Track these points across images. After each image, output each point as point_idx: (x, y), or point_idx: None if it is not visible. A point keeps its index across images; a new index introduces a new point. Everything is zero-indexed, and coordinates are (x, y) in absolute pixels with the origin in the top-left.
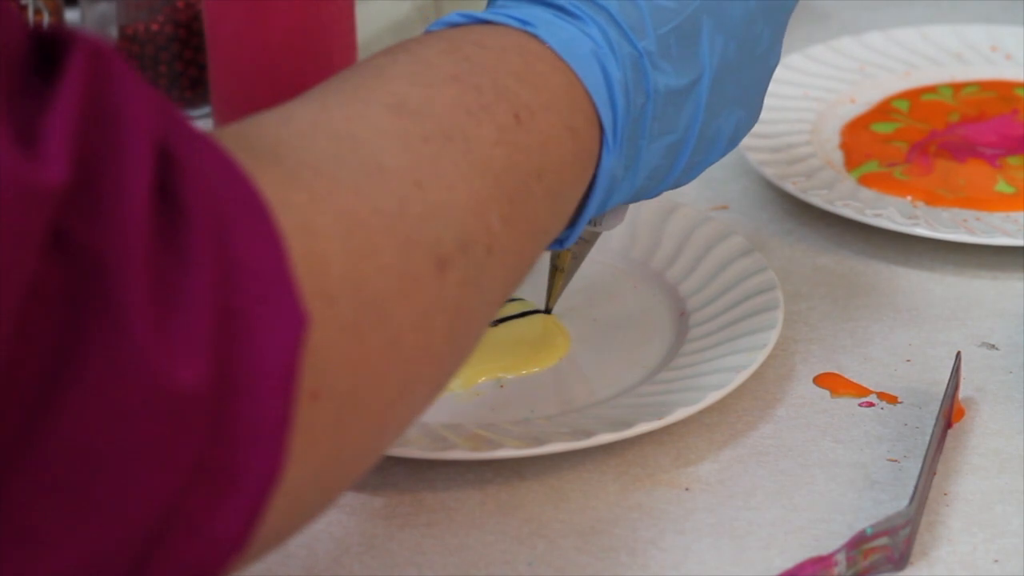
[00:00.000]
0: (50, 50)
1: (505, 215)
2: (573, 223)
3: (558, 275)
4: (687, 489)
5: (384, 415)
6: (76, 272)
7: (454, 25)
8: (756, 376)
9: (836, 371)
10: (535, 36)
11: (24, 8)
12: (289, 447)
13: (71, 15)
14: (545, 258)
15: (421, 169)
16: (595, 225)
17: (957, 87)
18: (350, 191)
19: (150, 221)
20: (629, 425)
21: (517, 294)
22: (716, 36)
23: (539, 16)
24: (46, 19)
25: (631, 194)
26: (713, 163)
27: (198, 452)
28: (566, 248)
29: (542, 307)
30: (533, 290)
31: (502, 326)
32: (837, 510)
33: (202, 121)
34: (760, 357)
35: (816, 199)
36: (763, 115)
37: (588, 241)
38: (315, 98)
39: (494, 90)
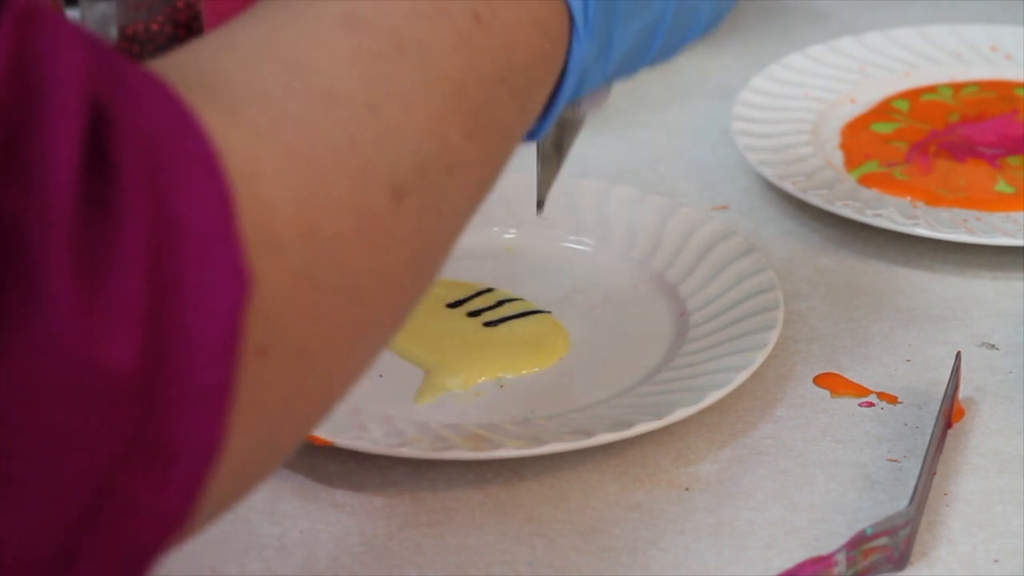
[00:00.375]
0: None
1: (467, 128)
2: (546, 113)
3: (543, 165)
4: (687, 489)
5: (341, 363)
6: None
7: None
8: (756, 376)
9: (836, 371)
10: None
11: None
12: (230, 417)
13: (71, 15)
14: (550, 257)
15: (374, 90)
16: (576, 107)
17: (957, 87)
18: (297, 124)
19: (77, 183)
20: (629, 425)
21: (518, 294)
22: None
23: None
24: None
25: (606, 77)
26: (692, 41)
27: (131, 428)
28: (538, 140)
29: (542, 307)
30: (534, 290)
31: (502, 326)
32: (837, 510)
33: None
34: (760, 357)
35: (816, 199)
36: (763, 115)
37: (572, 125)
38: (260, 17)
39: None
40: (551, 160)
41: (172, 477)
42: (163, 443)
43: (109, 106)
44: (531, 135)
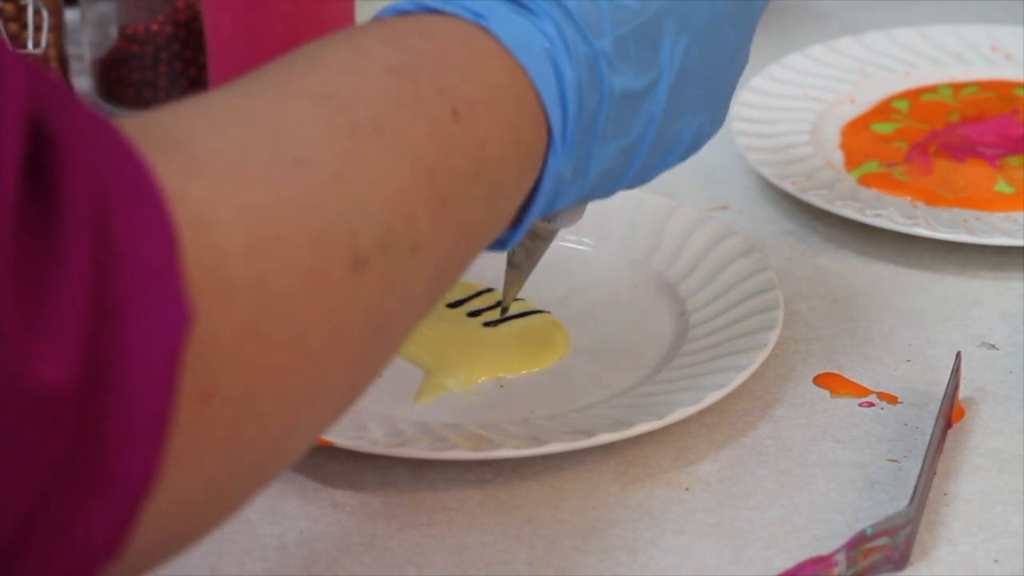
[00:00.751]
0: None
1: (434, 213)
2: (517, 224)
3: (513, 273)
4: (687, 489)
5: (288, 418)
6: None
7: (403, 13)
8: (756, 376)
9: (836, 371)
10: (486, 29)
11: (24, 8)
12: (166, 449)
13: (71, 15)
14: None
15: (342, 161)
16: (550, 222)
17: (957, 87)
18: (258, 182)
19: (16, 204)
20: (629, 425)
21: (519, 294)
22: (679, 38)
23: (493, 8)
24: (46, 19)
25: (581, 195)
26: (671, 166)
27: (64, 451)
28: (508, 249)
29: (542, 307)
30: (534, 290)
31: (502, 326)
32: (837, 510)
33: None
34: (760, 357)
35: (816, 199)
36: (763, 115)
37: (544, 238)
38: (239, 86)
39: (433, 83)
40: (520, 269)
41: (103, 505)
42: (96, 470)
43: (53, 132)
44: (501, 244)
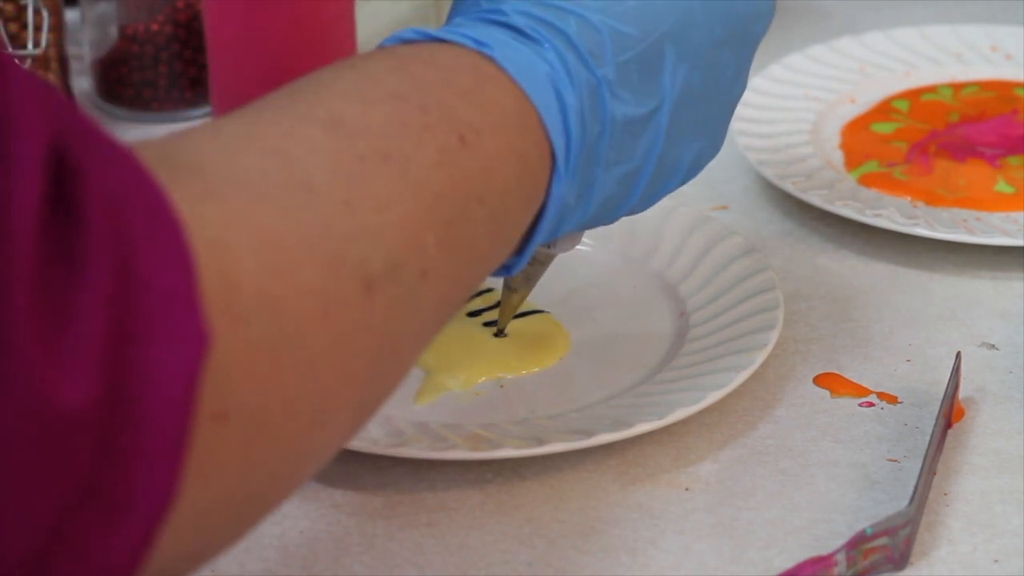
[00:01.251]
0: None
1: (442, 239)
2: (521, 249)
3: (510, 295)
4: (687, 489)
5: (300, 439)
6: None
7: (407, 42)
8: (756, 376)
9: (836, 371)
10: (490, 57)
11: (24, 8)
12: (185, 469)
13: (71, 15)
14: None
15: (352, 188)
16: (549, 247)
17: (957, 87)
18: (271, 208)
19: (39, 229)
20: (629, 425)
21: None
22: (679, 65)
23: (496, 37)
24: (46, 19)
25: (584, 222)
26: (671, 191)
27: (85, 474)
28: (513, 274)
29: (542, 307)
30: (535, 290)
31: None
32: (837, 510)
33: (202, 121)
34: (760, 357)
35: (816, 199)
36: (763, 115)
37: (542, 263)
38: (250, 112)
39: (439, 110)
40: (518, 292)
41: (122, 527)
42: (115, 492)
43: (73, 157)
44: (507, 269)
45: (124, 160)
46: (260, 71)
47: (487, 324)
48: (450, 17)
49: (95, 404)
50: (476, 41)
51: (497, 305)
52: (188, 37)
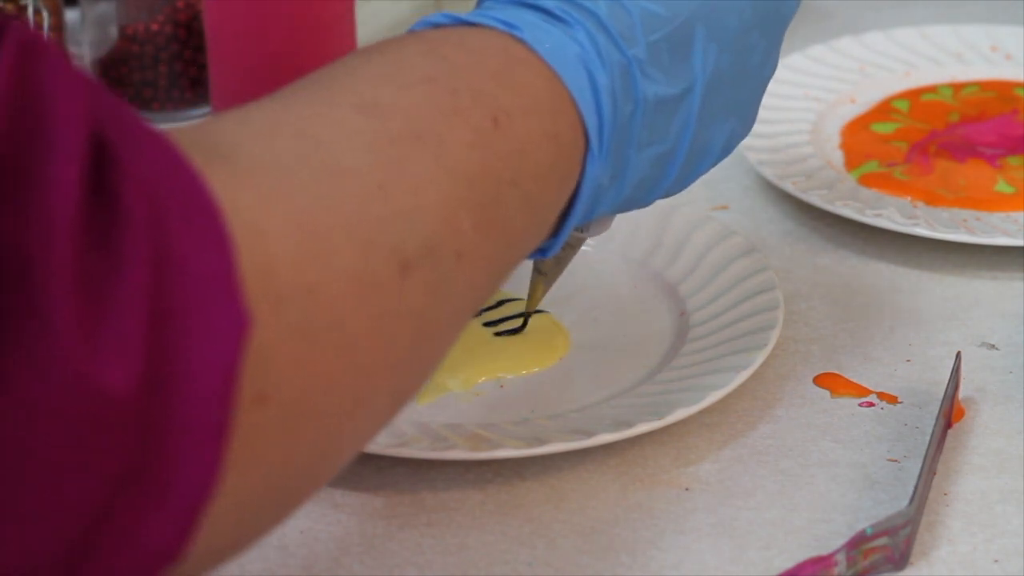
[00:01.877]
0: None
1: (477, 221)
2: (557, 231)
3: (540, 279)
4: (687, 489)
5: (339, 423)
6: None
7: (437, 26)
8: (756, 376)
9: (836, 371)
10: (520, 39)
11: (24, 8)
12: (227, 452)
13: (71, 15)
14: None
15: (386, 171)
16: (581, 231)
17: (957, 87)
18: (306, 192)
19: (79, 214)
20: (629, 425)
21: (518, 294)
22: (709, 45)
23: (525, 19)
24: (46, 19)
25: (618, 203)
26: (704, 173)
27: (127, 457)
28: (549, 256)
29: (542, 307)
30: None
31: (502, 325)
32: (837, 510)
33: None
34: (760, 357)
35: (816, 199)
36: (763, 115)
37: (573, 247)
38: (279, 98)
39: (471, 93)
40: (547, 276)
41: (166, 508)
42: (159, 473)
43: (111, 142)
44: (542, 252)
45: (161, 146)
46: (260, 71)
47: (487, 324)
48: (480, 1)
49: (137, 387)
50: (506, 23)
51: (498, 305)
52: (188, 37)
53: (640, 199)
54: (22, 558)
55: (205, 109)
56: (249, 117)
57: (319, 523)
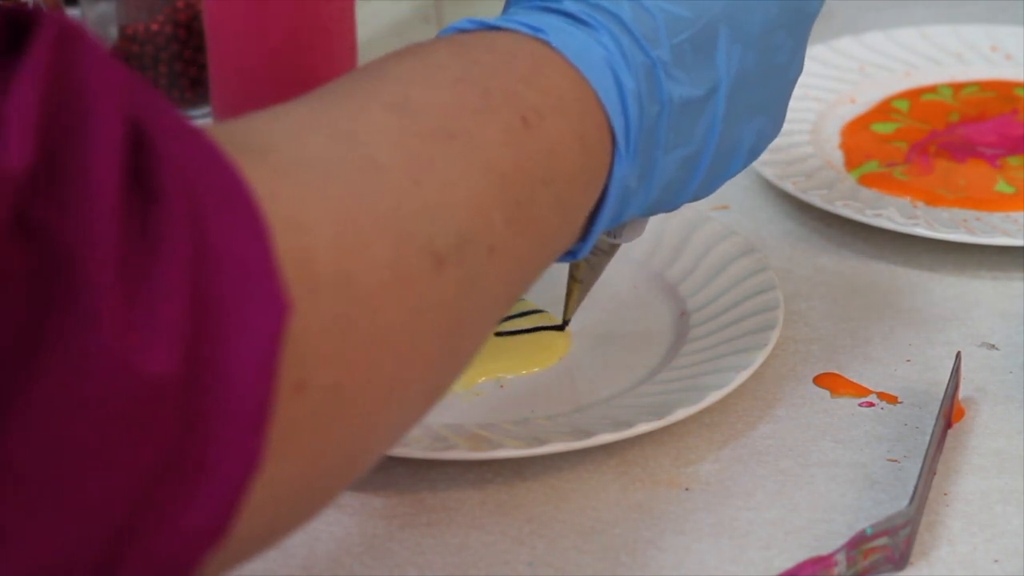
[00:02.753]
0: (15, 29)
1: (510, 217)
2: (586, 235)
3: (575, 286)
4: (687, 489)
5: (374, 413)
6: (41, 258)
7: (464, 31)
8: (756, 376)
9: (836, 371)
10: (546, 43)
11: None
12: (268, 438)
13: (71, 14)
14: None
15: (420, 167)
16: (614, 237)
17: (957, 87)
18: (342, 187)
19: (120, 205)
20: (629, 425)
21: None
22: (734, 45)
23: (551, 23)
24: None
25: (646, 206)
26: (734, 175)
27: (169, 442)
28: (580, 258)
29: (542, 307)
30: (534, 290)
31: (502, 325)
32: (837, 510)
33: (202, 121)
34: (760, 357)
35: (816, 199)
36: None
37: (607, 252)
38: (313, 98)
39: (502, 93)
40: (583, 283)
41: (207, 496)
42: (201, 459)
43: (148, 134)
44: (572, 255)
45: (198, 140)
46: (260, 71)
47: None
48: (506, 7)
49: (178, 373)
50: (532, 27)
51: None
52: (188, 37)
53: (668, 202)
54: (65, 546)
55: (205, 109)
56: (282, 116)
57: (319, 523)
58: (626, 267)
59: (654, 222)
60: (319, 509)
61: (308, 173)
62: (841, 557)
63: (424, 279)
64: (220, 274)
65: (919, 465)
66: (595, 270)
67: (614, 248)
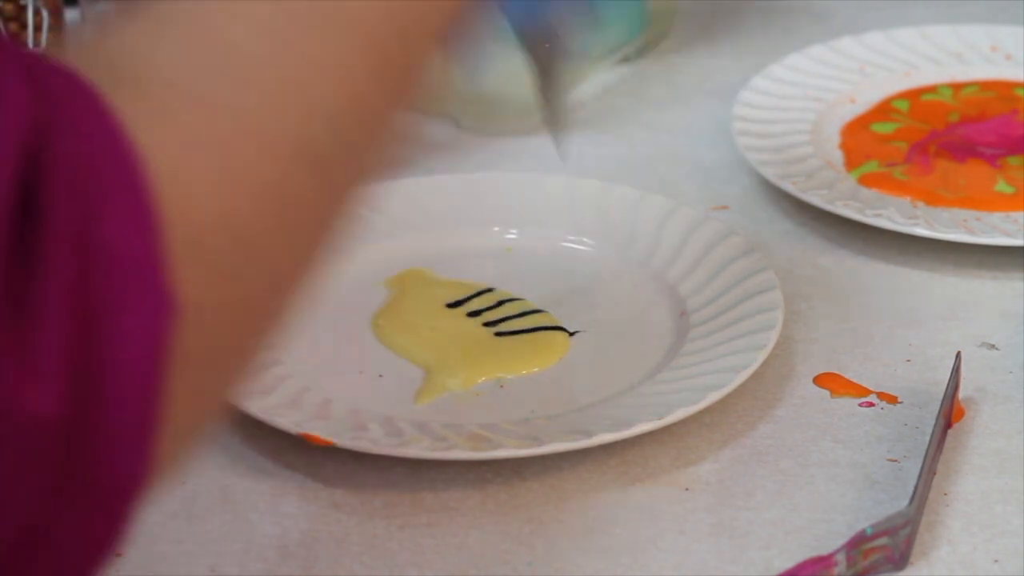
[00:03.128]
0: None
1: (379, 76)
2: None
3: (549, 119)
4: (687, 489)
5: (265, 319)
6: None
7: None
8: (756, 376)
9: (836, 371)
10: None
11: (24, 8)
12: (158, 446)
13: (71, 15)
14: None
15: (283, 49)
16: (554, 27)
17: (957, 87)
18: (225, 122)
19: (6, 232)
20: (629, 425)
21: (518, 294)
22: None
23: None
24: (46, 19)
25: None
26: None
27: (57, 469)
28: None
29: (542, 307)
30: (534, 290)
31: (502, 325)
32: (837, 510)
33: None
34: (760, 357)
35: (816, 199)
36: (763, 115)
37: (555, 56)
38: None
39: None
40: (549, 97)
41: (100, 511)
42: (91, 480)
43: (45, 139)
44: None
45: (94, 116)
46: None
47: (487, 324)
48: None
49: (62, 406)
50: None
51: (498, 305)
52: None
53: None
54: None
55: None
56: (162, 31)
57: (319, 523)
58: (626, 267)
59: (654, 222)
60: (209, 419)
61: (184, 102)
62: (841, 557)
63: (305, 185)
64: (107, 279)
65: (919, 465)
66: (552, 75)
67: (560, 50)
